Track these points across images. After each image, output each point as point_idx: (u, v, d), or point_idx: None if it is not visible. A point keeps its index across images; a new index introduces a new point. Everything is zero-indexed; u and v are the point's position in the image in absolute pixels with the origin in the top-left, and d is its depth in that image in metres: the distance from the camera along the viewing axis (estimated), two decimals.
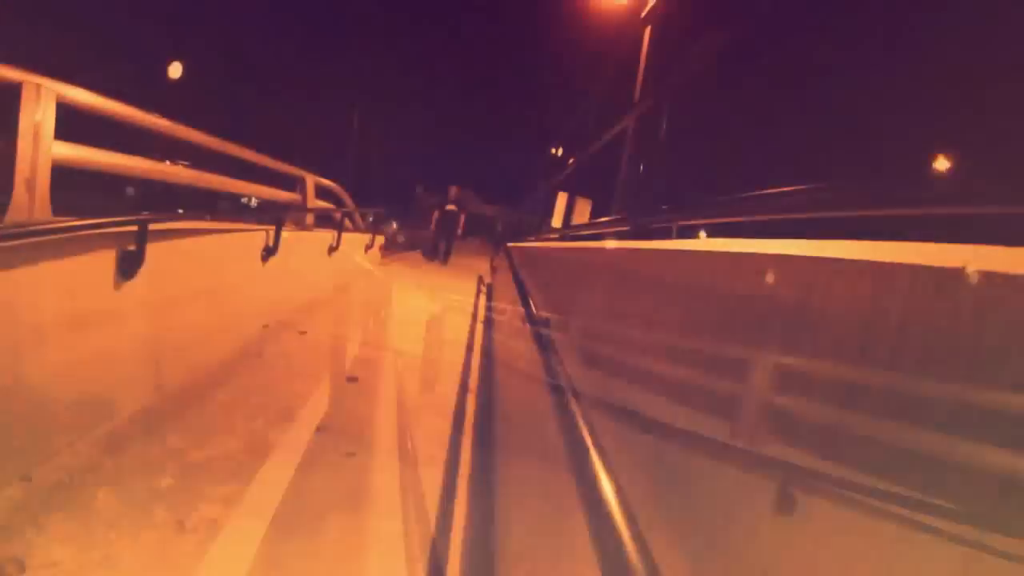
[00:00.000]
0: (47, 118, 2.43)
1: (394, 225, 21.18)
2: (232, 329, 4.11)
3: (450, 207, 13.99)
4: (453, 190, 14.49)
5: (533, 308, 5.16)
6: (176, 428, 2.77)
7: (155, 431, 2.70)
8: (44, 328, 2.34)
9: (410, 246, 17.68)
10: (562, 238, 4.40)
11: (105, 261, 2.65)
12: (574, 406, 1.85)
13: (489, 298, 8.11)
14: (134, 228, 2.71)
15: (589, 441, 1.44)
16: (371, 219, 8.61)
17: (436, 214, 14.12)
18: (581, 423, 1.62)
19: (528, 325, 4.75)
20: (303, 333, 4.77)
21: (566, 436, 1.61)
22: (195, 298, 3.53)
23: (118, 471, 2.32)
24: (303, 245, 5.28)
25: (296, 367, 3.99)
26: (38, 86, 2.42)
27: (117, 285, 2.73)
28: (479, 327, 6.26)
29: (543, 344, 3.74)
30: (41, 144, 2.39)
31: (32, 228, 2.18)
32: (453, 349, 5.14)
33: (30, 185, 2.34)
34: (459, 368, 4.55)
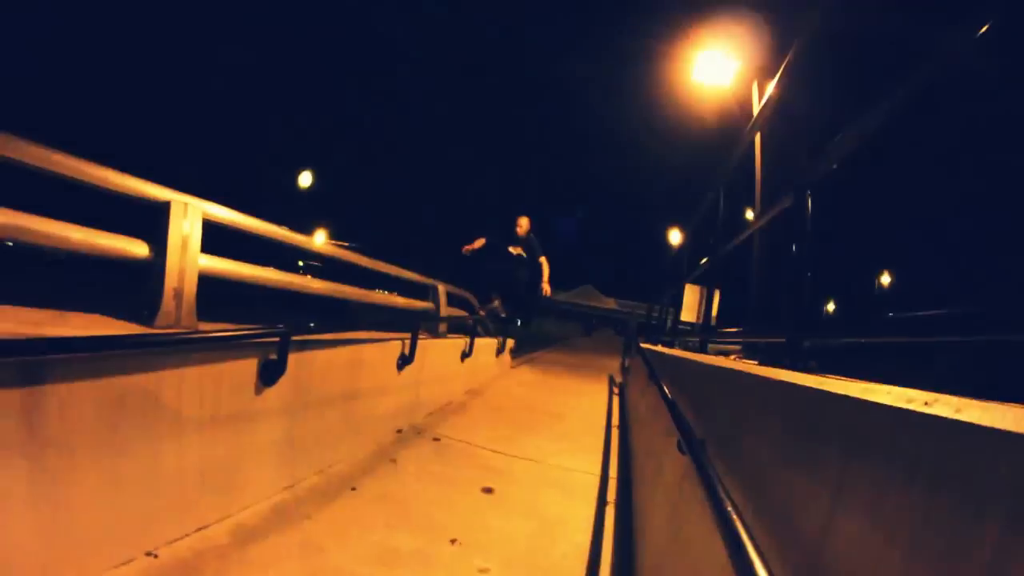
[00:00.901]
0: (194, 233, 2.60)
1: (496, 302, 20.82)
2: (366, 433, 4.12)
3: (514, 250, 9.02)
4: (523, 223, 9.02)
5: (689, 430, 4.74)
6: (301, 529, 2.74)
7: (278, 528, 2.68)
8: (186, 424, 2.44)
9: (540, 341, 17.57)
10: (702, 345, 4.06)
11: (248, 368, 2.79)
12: None
13: (623, 404, 7.79)
14: (276, 339, 2.79)
15: None
16: (497, 310, 8.62)
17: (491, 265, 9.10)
18: None
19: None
20: (436, 439, 4.70)
21: None
22: (331, 403, 3.57)
23: (241, 561, 2.34)
24: (437, 352, 5.33)
25: (429, 474, 3.89)
26: (185, 204, 2.60)
27: (259, 389, 2.87)
28: (615, 433, 5.94)
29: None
30: (188, 257, 2.54)
31: (181, 336, 2.29)
32: (589, 458, 4.85)
33: (178, 294, 2.47)
34: (596, 480, 4.25)
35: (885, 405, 0.98)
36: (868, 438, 1.02)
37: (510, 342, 9.39)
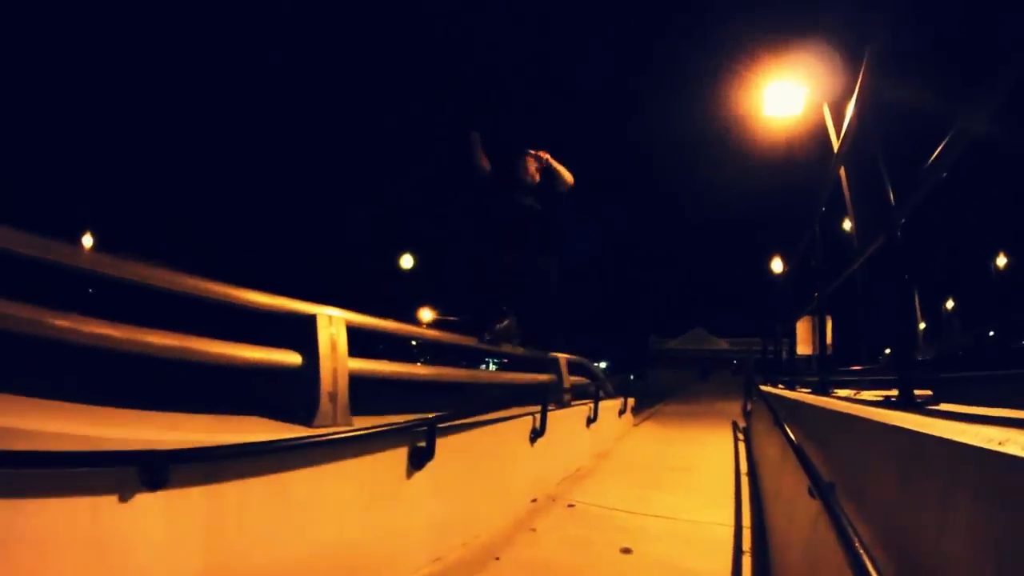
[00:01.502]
0: (340, 340, 2.96)
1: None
2: (504, 505, 4.32)
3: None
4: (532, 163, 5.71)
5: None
6: None
7: None
8: (346, 509, 2.77)
9: (658, 394, 17.26)
10: (822, 386, 3.96)
11: (399, 456, 3.13)
12: None
13: (749, 450, 7.63)
14: (424, 428, 3.14)
15: None
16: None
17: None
18: None
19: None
20: (571, 506, 4.82)
21: None
22: (472, 479, 3.82)
23: None
24: (564, 421, 5.55)
25: (568, 539, 4.01)
26: (329, 316, 2.97)
27: (409, 473, 3.19)
28: (744, 481, 5.84)
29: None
30: (339, 361, 2.88)
31: (340, 436, 2.65)
32: (721, 510, 4.81)
33: (332, 396, 2.82)
34: (730, 531, 4.23)
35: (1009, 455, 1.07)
36: (991, 484, 1.12)
37: (631, 401, 9.47)
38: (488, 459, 4.11)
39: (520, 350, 5.57)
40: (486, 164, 5.59)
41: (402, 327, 3.89)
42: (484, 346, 5.04)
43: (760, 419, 7.20)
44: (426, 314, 34.64)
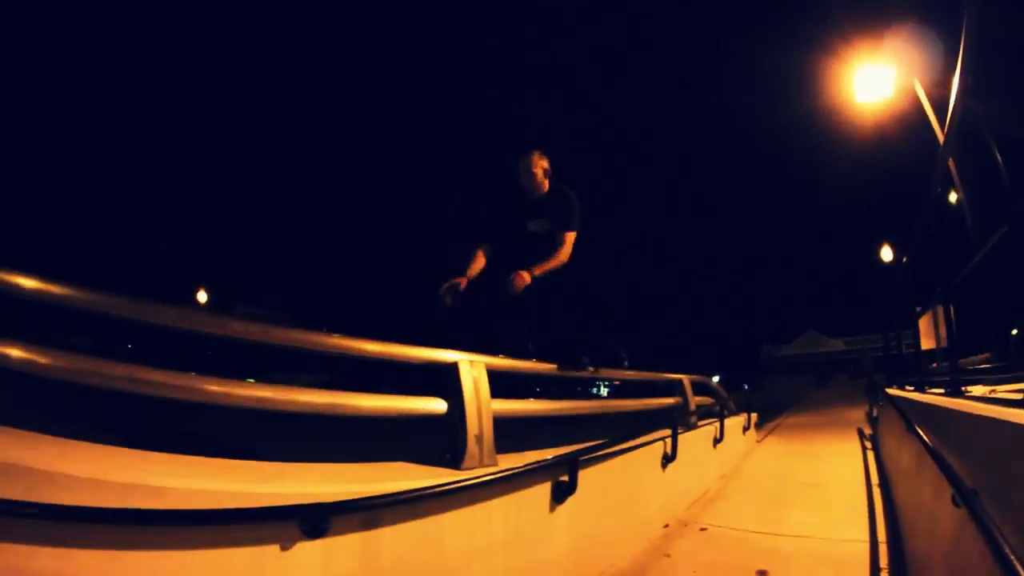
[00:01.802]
0: (482, 384, 3.21)
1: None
2: (638, 532, 4.44)
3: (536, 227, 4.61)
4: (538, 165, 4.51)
5: None
6: None
7: None
8: (494, 545, 2.98)
9: (777, 406, 16.71)
10: (953, 387, 3.76)
11: (543, 491, 3.34)
12: None
13: (879, 459, 7.34)
14: (566, 463, 3.35)
15: None
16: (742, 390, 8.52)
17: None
18: None
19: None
20: (703, 529, 4.85)
21: None
22: (608, 508, 3.98)
23: None
24: (692, 443, 5.59)
25: (703, 565, 4.05)
26: (471, 362, 3.22)
27: (552, 507, 3.39)
28: (876, 493, 5.66)
29: None
30: (482, 405, 3.13)
31: (488, 478, 2.87)
32: (854, 525, 4.70)
33: (478, 439, 3.06)
34: (865, 547, 4.16)
35: None
36: None
37: (753, 416, 9.31)
38: (622, 487, 4.24)
39: (630, 373, 5.69)
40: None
41: (537, 366, 4.12)
42: (625, 374, 5.22)
43: (889, 425, 6.92)
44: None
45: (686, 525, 4.95)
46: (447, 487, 2.62)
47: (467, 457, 3.01)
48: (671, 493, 5.15)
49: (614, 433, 4.24)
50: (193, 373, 2.46)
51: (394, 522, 2.48)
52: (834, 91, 11.47)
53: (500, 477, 2.91)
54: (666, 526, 4.86)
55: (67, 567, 1.85)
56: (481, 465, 3.04)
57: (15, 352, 2.18)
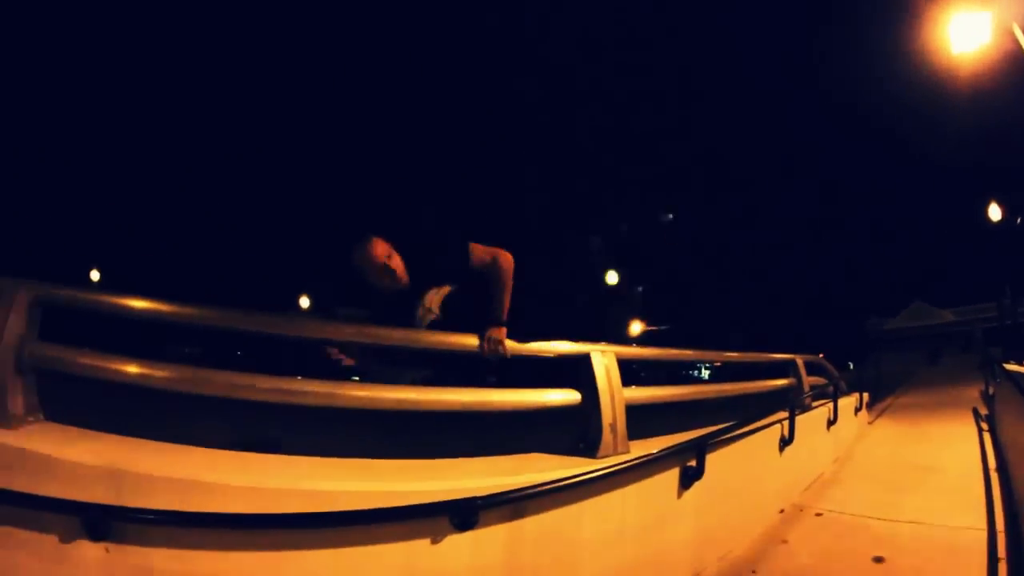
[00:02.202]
0: (614, 373, 3.25)
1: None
2: (754, 517, 4.41)
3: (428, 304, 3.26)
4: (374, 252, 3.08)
5: None
6: None
7: None
8: (625, 533, 3.05)
9: (887, 385, 16.03)
10: None
11: (671, 477, 3.38)
12: None
13: (996, 441, 6.97)
14: (694, 448, 3.39)
15: None
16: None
17: None
18: None
19: None
20: (819, 515, 4.77)
21: None
22: (728, 494, 3.98)
23: None
24: (806, 426, 5.45)
25: (820, 551, 4.02)
26: (601, 351, 3.27)
27: (678, 494, 3.43)
28: (994, 478, 5.41)
29: None
30: (615, 394, 3.18)
31: (624, 465, 2.92)
32: (971, 512, 4.52)
33: (612, 427, 3.12)
34: (983, 535, 4.00)
35: None
36: None
37: (865, 396, 8.97)
38: (742, 472, 4.20)
39: (743, 355, 5.62)
40: None
41: (664, 352, 4.14)
42: (744, 356, 5.19)
43: (1008, 405, 6.56)
44: (636, 327, 34.96)
45: (802, 510, 4.88)
46: (588, 476, 2.70)
47: (602, 446, 3.07)
48: (787, 477, 5.07)
49: (728, 416, 4.21)
50: (298, 378, 2.57)
51: (537, 512, 2.58)
52: (928, 37, 10.70)
53: (635, 464, 2.95)
54: (782, 511, 4.81)
55: (232, 570, 2.08)
56: (615, 453, 3.09)
57: (131, 368, 2.46)
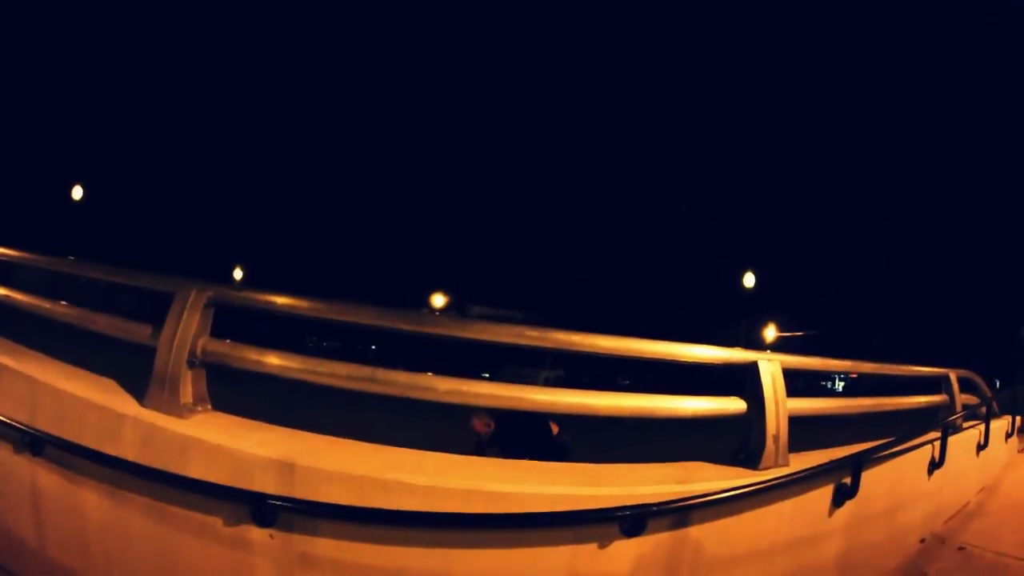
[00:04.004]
0: (779, 383, 3.05)
1: None
2: (896, 545, 4.13)
3: None
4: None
5: None
6: None
7: None
8: (776, 549, 2.90)
9: None
10: None
11: (824, 495, 3.17)
12: None
13: None
14: (849, 467, 3.17)
15: None
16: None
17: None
18: None
19: None
20: (961, 549, 4.42)
21: None
22: (868, 516, 3.69)
23: None
24: (955, 449, 5.03)
25: None
26: (768, 360, 3.09)
27: (830, 512, 3.22)
28: None
29: None
30: (780, 404, 2.99)
31: (785, 479, 2.78)
32: None
33: (775, 439, 2.95)
34: None
35: None
36: None
37: (1018, 420, 8.16)
38: (890, 494, 3.88)
39: (891, 367, 5.25)
40: None
41: (825, 363, 3.92)
42: (884, 369, 4.87)
43: None
44: (770, 332, 33.80)
45: (943, 542, 4.51)
46: (754, 488, 2.60)
47: (764, 457, 2.91)
48: (931, 504, 4.69)
49: (868, 433, 3.96)
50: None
51: (701, 522, 2.50)
52: None
53: (796, 479, 2.79)
54: (922, 541, 4.46)
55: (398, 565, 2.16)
56: (776, 465, 2.91)
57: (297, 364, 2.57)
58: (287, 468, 2.22)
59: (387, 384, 2.48)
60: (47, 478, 2.54)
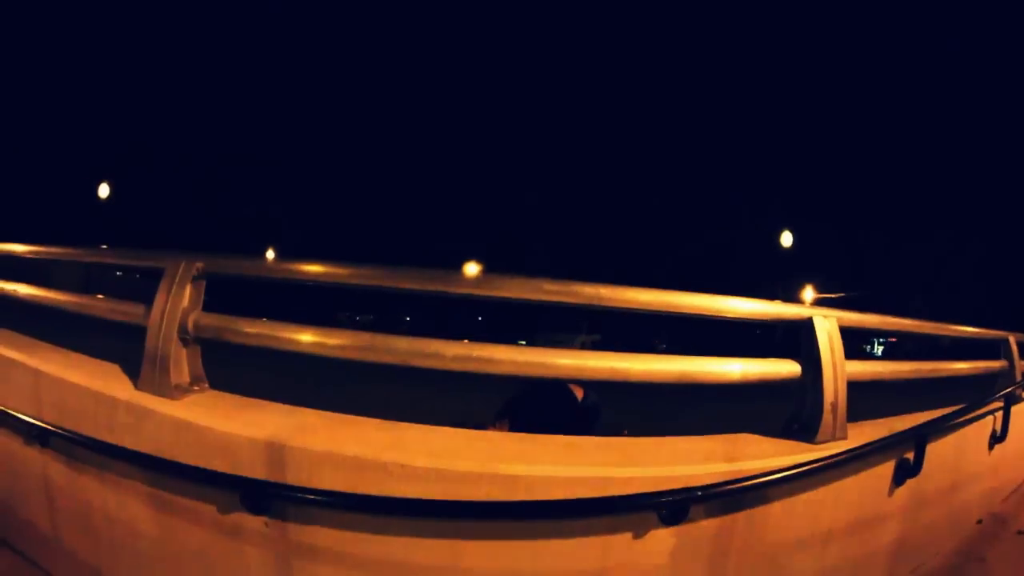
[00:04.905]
0: (837, 343, 2.62)
1: None
2: (949, 526, 3.73)
3: None
4: None
5: None
6: None
7: None
8: (834, 532, 2.54)
9: None
10: None
11: (885, 471, 2.77)
12: None
13: None
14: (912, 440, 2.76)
15: None
16: None
17: None
18: None
19: None
20: (1020, 533, 4.04)
21: None
22: (931, 496, 3.32)
23: None
24: (1017, 420, 4.61)
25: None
26: (824, 316, 2.66)
27: (890, 491, 2.82)
28: None
29: None
30: (838, 368, 2.57)
31: (847, 454, 2.37)
32: None
33: (833, 407, 2.52)
34: None
35: None
36: None
37: None
38: (951, 470, 3.47)
39: (943, 327, 4.79)
40: None
41: (888, 321, 3.49)
42: (935, 328, 4.42)
43: None
44: (808, 293, 33.03)
45: (1004, 523, 4.11)
46: (813, 465, 2.21)
47: (822, 429, 2.48)
48: (990, 481, 4.25)
49: (917, 402, 3.58)
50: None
51: (752, 505, 2.14)
52: None
53: (858, 454, 2.39)
54: (979, 522, 4.04)
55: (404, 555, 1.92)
56: (833, 439, 2.49)
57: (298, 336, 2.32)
58: (277, 450, 2.01)
59: (386, 352, 2.20)
60: (54, 468, 2.52)
